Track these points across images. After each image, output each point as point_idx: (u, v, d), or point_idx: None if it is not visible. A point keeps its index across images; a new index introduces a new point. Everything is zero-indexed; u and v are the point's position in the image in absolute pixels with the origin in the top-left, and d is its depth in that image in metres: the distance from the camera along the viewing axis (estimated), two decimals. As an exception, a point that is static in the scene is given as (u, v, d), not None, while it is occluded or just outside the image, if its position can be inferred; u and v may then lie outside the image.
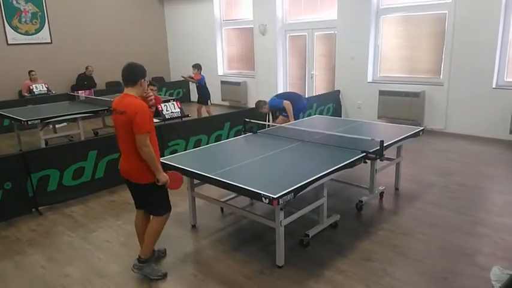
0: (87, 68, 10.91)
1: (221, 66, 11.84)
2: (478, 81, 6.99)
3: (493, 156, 6.17)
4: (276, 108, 6.61)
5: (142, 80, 3.06)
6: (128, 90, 3.05)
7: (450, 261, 3.36)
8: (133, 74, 3.04)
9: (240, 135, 5.13)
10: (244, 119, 5.16)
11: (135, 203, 3.36)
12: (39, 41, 10.52)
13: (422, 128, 4.99)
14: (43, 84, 9.66)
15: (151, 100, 3.17)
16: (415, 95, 7.62)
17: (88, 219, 4.45)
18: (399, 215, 4.27)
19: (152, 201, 3.20)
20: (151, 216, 3.29)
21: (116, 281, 3.26)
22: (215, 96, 11.67)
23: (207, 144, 6.02)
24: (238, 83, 11.01)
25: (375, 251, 3.56)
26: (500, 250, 3.51)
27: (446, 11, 7.22)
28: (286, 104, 6.41)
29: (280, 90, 10.38)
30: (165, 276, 3.28)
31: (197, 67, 8.50)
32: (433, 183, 5.13)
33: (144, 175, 3.06)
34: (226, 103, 11.49)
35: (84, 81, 10.84)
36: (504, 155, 6.25)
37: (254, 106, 6.56)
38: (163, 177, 3.07)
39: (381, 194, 4.71)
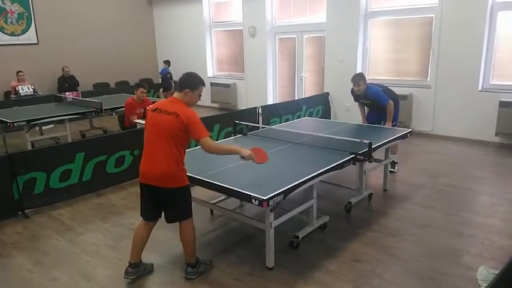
0: (63, 69, 10.52)
1: (210, 68, 11.83)
2: (464, 84, 7.09)
3: (480, 158, 6.27)
4: (374, 99, 5.39)
5: (187, 90, 3.01)
6: (176, 95, 3.09)
7: (438, 261, 3.40)
8: (183, 80, 3.07)
9: (230, 137, 5.12)
10: (234, 120, 5.16)
11: (148, 213, 3.18)
12: (25, 42, 10.36)
13: (410, 130, 5.05)
14: (29, 86, 9.52)
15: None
16: (403, 97, 7.66)
17: (75, 222, 4.39)
18: (388, 216, 4.31)
19: (180, 206, 3.11)
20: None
21: (103, 285, 3.22)
22: (204, 98, 11.64)
23: (196, 146, 5.98)
24: (228, 85, 10.99)
25: (363, 252, 3.58)
26: (486, 250, 3.56)
27: (433, 15, 7.32)
28: (391, 105, 5.30)
29: (270, 93, 10.37)
30: (211, 263, 3.42)
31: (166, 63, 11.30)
32: (421, 184, 5.18)
33: (176, 179, 2.99)
34: (216, 105, 11.46)
35: (65, 83, 10.42)
36: (490, 156, 6.35)
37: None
38: (244, 151, 3.12)
39: (370, 196, 4.74)
